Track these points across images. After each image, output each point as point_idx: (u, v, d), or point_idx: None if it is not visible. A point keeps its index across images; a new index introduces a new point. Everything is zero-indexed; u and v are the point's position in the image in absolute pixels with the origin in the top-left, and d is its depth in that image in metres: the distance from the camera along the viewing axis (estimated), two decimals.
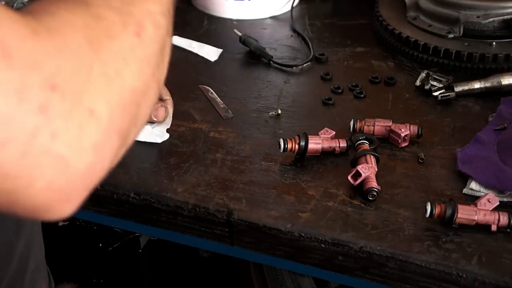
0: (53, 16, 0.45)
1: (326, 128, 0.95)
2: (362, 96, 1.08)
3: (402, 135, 0.94)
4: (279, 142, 0.91)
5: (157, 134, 0.98)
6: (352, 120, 0.97)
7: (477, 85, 1.05)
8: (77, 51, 0.44)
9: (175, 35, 1.26)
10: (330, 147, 0.93)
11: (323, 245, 0.81)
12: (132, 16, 0.50)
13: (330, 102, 1.06)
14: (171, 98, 0.99)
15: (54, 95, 0.41)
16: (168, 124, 0.99)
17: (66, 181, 0.42)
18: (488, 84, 1.05)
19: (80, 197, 0.45)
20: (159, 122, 0.98)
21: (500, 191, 0.84)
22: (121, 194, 0.90)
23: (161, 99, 0.98)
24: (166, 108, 0.96)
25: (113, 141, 0.45)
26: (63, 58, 0.42)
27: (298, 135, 0.92)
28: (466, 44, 1.13)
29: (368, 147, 0.91)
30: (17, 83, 0.39)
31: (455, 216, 0.79)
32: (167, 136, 0.98)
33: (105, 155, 0.44)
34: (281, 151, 0.91)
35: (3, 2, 1.29)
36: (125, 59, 0.47)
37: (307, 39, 1.24)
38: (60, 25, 0.44)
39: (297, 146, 0.91)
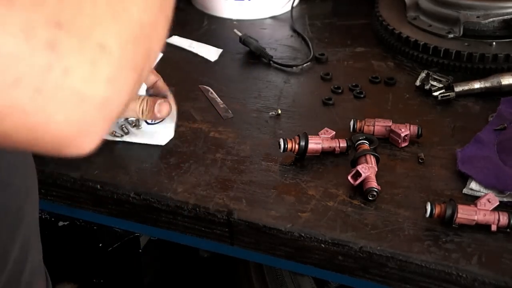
0: None
1: (326, 128, 0.95)
2: (362, 96, 1.08)
3: (402, 135, 0.94)
4: (279, 142, 0.91)
5: (162, 133, 0.97)
6: (352, 120, 0.97)
7: (477, 85, 1.05)
8: None
9: (175, 35, 1.27)
10: (330, 147, 0.93)
11: (323, 245, 0.81)
12: None
13: (330, 102, 1.06)
14: (171, 95, 0.99)
15: (61, 32, 0.41)
16: (173, 123, 0.98)
17: (83, 114, 0.43)
18: (488, 84, 1.05)
19: (100, 130, 0.45)
20: (162, 120, 0.97)
21: (500, 191, 0.84)
22: (121, 194, 0.90)
23: (163, 96, 0.98)
24: (169, 103, 0.95)
25: (128, 74, 0.45)
26: None
27: (298, 135, 0.92)
28: (466, 44, 1.13)
29: (368, 147, 0.91)
30: (22, 23, 0.40)
31: (455, 216, 0.79)
32: (171, 135, 0.98)
33: (121, 88, 0.45)
34: (281, 151, 0.91)
35: None
36: None
37: (307, 39, 1.24)
38: None
39: (297, 146, 0.91)
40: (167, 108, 0.94)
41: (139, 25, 0.47)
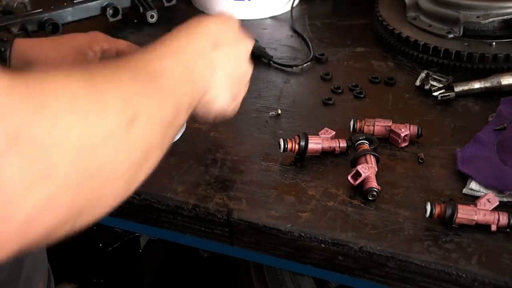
0: (43, 75, 0.46)
1: (326, 128, 0.95)
2: (362, 96, 1.08)
3: (402, 135, 0.94)
4: (279, 142, 0.91)
5: None
6: (352, 120, 0.97)
7: (477, 85, 1.05)
8: (55, 113, 0.44)
9: None
10: (330, 147, 0.93)
11: (323, 245, 0.81)
12: (134, 103, 0.52)
13: (330, 102, 1.06)
14: None
15: (12, 149, 0.41)
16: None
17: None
18: (488, 84, 1.05)
19: (14, 247, 0.44)
20: None
21: (500, 191, 0.84)
22: None
23: None
24: None
25: (58, 211, 0.45)
26: (33, 114, 0.43)
27: (298, 135, 0.92)
28: (466, 44, 1.13)
29: (368, 147, 0.91)
30: None
31: (455, 216, 0.79)
32: (183, 129, 0.98)
33: (45, 218, 0.44)
34: (281, 151, 0.91)
35: (3, 3, 1.29)
36: (105, 141, 0.48)
37: (307, 39, 1.24)
38: (45, 84, 0.45)
39: (297, 146, 0.91)
40: None
41: (98, 172, 0.47)
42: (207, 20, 0.78)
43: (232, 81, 0.80)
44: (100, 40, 0.99)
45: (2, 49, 0.93)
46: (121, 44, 1.01)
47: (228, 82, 0.79)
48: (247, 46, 0.84)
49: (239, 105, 0.86)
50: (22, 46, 0.95)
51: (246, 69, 0.84)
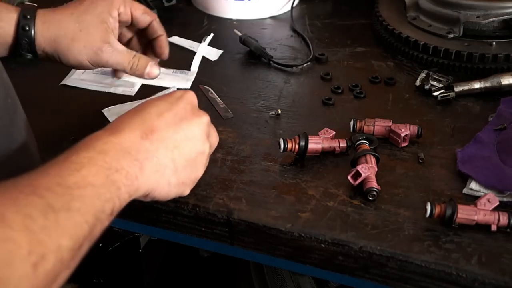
0: None
1: (326, 128, 0.95)
2: (362, 96, 1.08)
3: (402, 135, 0.94)
4: (279, 142, 0.91)
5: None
6: (352, 120, 0.97)
7: (477, 85, 1.05)
8: None
9: (175, 35, 1.27)
10: (330, 147, 0.93)
11: (323, 245, 0.81)
12: (42, 246, 0.54)
13: (330, 102, 1.06)
14: (166, 37, 1.02)
15: None
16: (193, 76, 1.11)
17: None
18: (488, 84, 1.05)
19: None
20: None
21: (500, 191, 0.84)
22: None
23: (154, 38, 1.01)
24: (159, 68, 0.99)
25: None
26: None
27: (298, 135, 0.92)
28: (466, 44, 1.13)
29: (368, 147, 0.91)
30: None
31: (455, 216, 0.79)
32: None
33: None
34: (281, 151, 0.91)
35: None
36: (7, 284, 0.50)
37: (307, 39, 1.24)
38: None
39: (297, 146, 0.91)
40: (157, 72, 0.99)
41: None
42: (149, 104, 0.76)
43: (176, 167, 0.77)
44: (116, 3, 0.95)
45: (27, 28, 0.90)
46: (137, 9, 0.98)
47: (168, 170, 0.75)
48: (200, 124, 0.80)
49: (196, 181, 0.83)
50: (45, 22, 0.92)
51: (199, 149, 0.80)
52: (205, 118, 0.81)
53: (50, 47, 0.92)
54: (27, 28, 0.90)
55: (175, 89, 1.04)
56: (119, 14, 0.96)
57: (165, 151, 0.75)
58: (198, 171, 0.82)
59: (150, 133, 0.73)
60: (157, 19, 1.01)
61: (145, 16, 0.99)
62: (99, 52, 0.93)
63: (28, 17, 0.90)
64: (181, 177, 0.78)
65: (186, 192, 0.81)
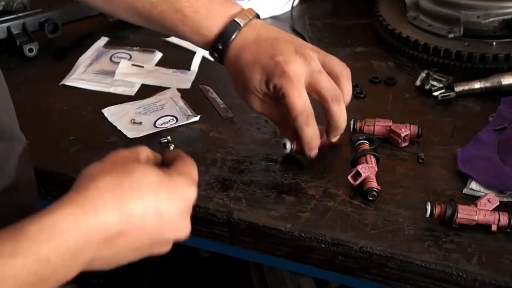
0: None
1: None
2: (362, 96, 1.08)
3: (402, 135, 0.94)
4: (283, 143, 0.91)
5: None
6: (352, 120, 0.97)
7: (477, 85, 1.05)
8: None
9: None
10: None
11: (323, 245, 0.81)
12: None
13: None
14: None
15: None
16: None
17: None
18: (488, 84, 1.05)
19: None
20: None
21: (500, 191, 0.84)
22: None
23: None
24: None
25: None
26: None
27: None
28: (466, 44, 1.13)
29: (368, 147, 0.91)
30: None
31: (455, 216, 0.79)
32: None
33: None
34: (287, 151, 0.91)
35: (3, 3, 1.29)
36: None
37: (307, 39, 1.24)
38: None
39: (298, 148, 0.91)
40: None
41: None
42: (148, 192, 0.64)
43: (138, 255, 0.66)
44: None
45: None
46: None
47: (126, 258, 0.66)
48: (185, 233, 0.69)
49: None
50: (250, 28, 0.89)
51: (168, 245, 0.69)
52: (188, 230, 0.69)
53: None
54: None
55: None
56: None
57: (117, 256, 0.65)
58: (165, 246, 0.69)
59: (117, 237, 0.62)
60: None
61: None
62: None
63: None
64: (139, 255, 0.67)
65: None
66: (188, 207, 0.68)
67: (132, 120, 1.02)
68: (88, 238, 0.59)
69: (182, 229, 0.68)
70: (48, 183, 0.92)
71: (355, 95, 1.08)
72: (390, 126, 0.96)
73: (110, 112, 1.04)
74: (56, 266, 0.57)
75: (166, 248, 0.68)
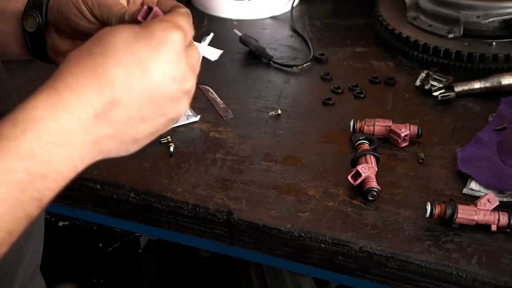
0: None
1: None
2: (362, 96, 1.08)
3: (402, 135, 0.94)
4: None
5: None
6: (352, 120, 0.97)
7: (477, 85, 1.05)
8: None
9: None
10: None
11: (323, 245, 0.81)
12: None
13: (330, 102, 1.06)
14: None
15: None
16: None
17: None
18: (488, 84, 1.05)
19: None
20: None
21: (500, 191, 0.84)
22: (121, 194, 0.90)
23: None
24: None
25: None
26: None
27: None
28: (466, 44, 1.13)
29: (368, 147, 0.91)
30: None
31: (455, 216, 0.79)
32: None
33: None
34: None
35: None
36: None
37: (307, 39, 1.24)
38: None
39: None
40: None
41: None
42: (118, 51, 0.55)
43: (140, 139, 0.59)
44: None
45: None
46: None
47: (126, 146, 0.59)
48: (188, 98, 0.60)
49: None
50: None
51: (176, 114, 0.60)
52: (192, 83, 0.61)
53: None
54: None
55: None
56: None
57: (126, 130, 0.57)
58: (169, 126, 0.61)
59: (109, 108, 0.54)
60: None
61: None
62: None
63: None
64: (145, 141, 0.61)
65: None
66: (176, 53, 0.57)
67: None
68: (74, 120, 0.52)
69: (180, 77, 0.58)
70: None
71: (355, 95, 1.08)
72: (390, 126, 0.96)
73: None
74: (44, 158, 0.51)
75: (179, 107, 0.59)
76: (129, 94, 0.55)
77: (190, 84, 0.60)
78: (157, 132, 0.60)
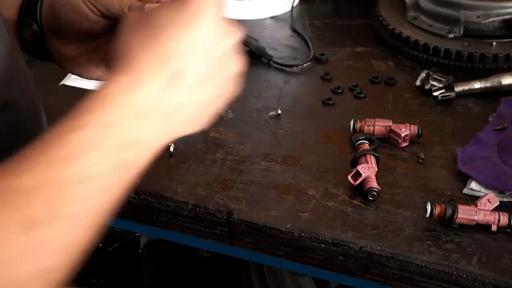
0: None
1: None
2: (362, 96, 1.08)
3: (402, 135, 0.94)
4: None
5: None
6: (352, 120, 0.97)
7: (477, 85, 1.05)
8: None
9: None
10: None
11: (323, 245, 0.81)
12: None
13: (330, 102, 1.06)
14: None
15: None
16: None
17: None
18: (488, 84, 1.05)
19: None
20: None
21: (500, 191, 0.84)
22: None
23: None
24: None
25: None
26: None
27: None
28: (466, 44, 1.13)
29: (368, 147, 0.91)
30: None
31: (455, 216, 0.79)
32: None
33: None
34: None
35: None
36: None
37: (307, 39, 1.24)
38: None
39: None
40: None
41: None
42: (160, 41, 0.60)
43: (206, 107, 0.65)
44: None
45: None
46: None
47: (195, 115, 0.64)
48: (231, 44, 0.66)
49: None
50: None
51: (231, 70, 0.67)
52: (236, 35, 0.66)
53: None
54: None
55: None
56: None
57: (196, 94, 0.62)
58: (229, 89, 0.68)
59: (175, 78, 0.59)
60: None
61: None
62: None
63: None
64: (215, 107, 0.67)
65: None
66: (214, 14, 0.62)
67: None
68: (146, 95, 0.57)
69: (223, 33, 0.63)
70: None
71: (355, 95, 1.08)
72: (390, 126, 0.96)
73: None
74: (129, 127, 0.56)
75: (232, 64, 0.66)
76: (186, 62, 0.60)
77: (235, 38, 0.66)
78: (222, 94, 0.66)
